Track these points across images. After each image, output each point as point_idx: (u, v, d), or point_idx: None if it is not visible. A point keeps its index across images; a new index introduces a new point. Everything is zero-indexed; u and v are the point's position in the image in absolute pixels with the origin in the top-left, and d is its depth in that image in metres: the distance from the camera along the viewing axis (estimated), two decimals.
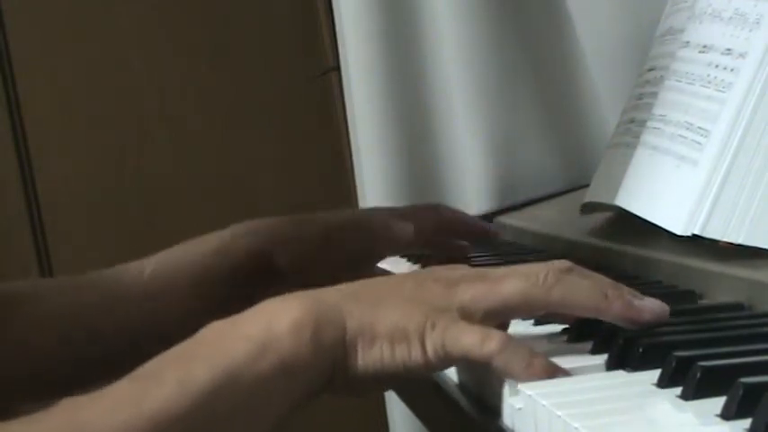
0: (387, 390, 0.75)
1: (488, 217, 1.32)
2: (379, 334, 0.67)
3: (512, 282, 0.69)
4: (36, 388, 0.92)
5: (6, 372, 0.90)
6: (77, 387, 0.66)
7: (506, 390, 0.65)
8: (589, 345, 0.69)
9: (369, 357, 0.67)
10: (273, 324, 0.67)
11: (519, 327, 0.77)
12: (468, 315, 0.68)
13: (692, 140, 0.83)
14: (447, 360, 0.67)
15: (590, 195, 1.00)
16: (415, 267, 1.10)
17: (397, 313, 0.68)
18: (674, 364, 0.59)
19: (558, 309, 0.69)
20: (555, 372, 0.65)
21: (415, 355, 0.67)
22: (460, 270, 0.72)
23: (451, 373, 0.77)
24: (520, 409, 0.63)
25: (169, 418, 0.63)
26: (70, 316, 0.95)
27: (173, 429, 0.63)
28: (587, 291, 0.68)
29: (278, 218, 1.01)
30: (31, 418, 0.62)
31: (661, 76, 0.92)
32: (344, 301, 0.68)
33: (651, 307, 0.69)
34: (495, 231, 1.07)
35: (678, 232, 0.81)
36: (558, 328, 0.76)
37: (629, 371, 0.64)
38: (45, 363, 0.93)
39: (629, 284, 0.73)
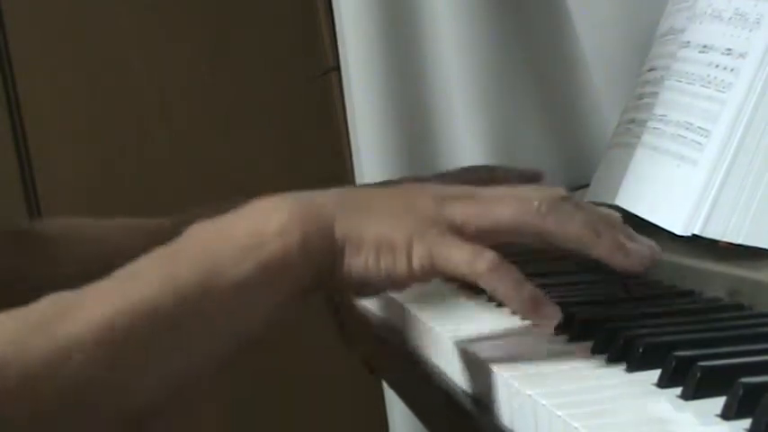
0: (371, 295, 0.74)
1: None
2: (366, 242, 0.67)
3: (505, 205, 0.68)
4: None
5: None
6: None
7: (506, 390, 0.65)
8: (589, 345, 0.69)
9: (354, 264, 0.67)
10: (261, 226, 0.67)
11: (519, 325, 0.77)
12: (457, 232, 0.67)
13: (692, 140, 0.84)
14: (432, 272, 0.67)
15: (590, 195, 1.00)
16: None
17: (385, 222, 0.67)
18: (674, 364, 0.60)
19: (547, 237, 0.68)
20: (543, 302, 0.64)
21: (400, 265, 0.67)
22: (454, 188, 0.71)
23: (452, 374, 0.77)
24: (520, 408, 0.63)
25: (152, 313, 0.63)
26: (97, 257, 0.95)
27: (156, 324, 0.63)
28: (579, 223, 0.67)
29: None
30: (13, 312, 0.63)
31: (661, 76, 0.92)
32: (334, 208, 0.68)
33: (640, 252, 0.68)
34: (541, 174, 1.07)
35: (678, 232, 0.81)
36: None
37: (628, 371, 0.64)
38: None
39: (629, 284, 0.73)
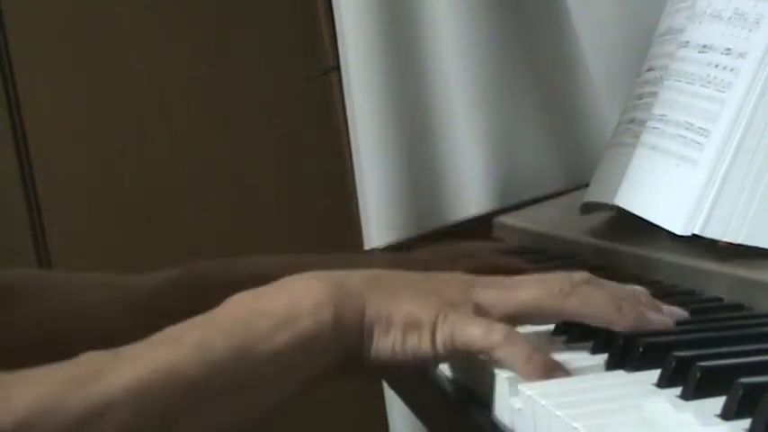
0: (395, 375, 0.76)
1: (488, 217, 1.32)
2: (395, 322, 0.69)
3: (528, 289, 0.71)
4: None
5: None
6: None
7: (506, 390, 0.65)
8: (589, 345, 0.69)
9: (382, 344, 0.69)
10: (296, 302, 0.68)
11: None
12: (482, 314, 0.70)
13: (692, 140, 0.83)
14: (453, 351, 0.69)
15: (590, 195, 1.00)
16: None
17: (413, 304, 0.69)
18: (673, 364, 0.60)
19: (571, 318, 0.71)
20: (554, 368, 0.65)
21: (425, 345, 0.69)
22: (480, 277, 0.74)
23: (451, 374, 0.77)
24: (519, 409, 0.63)
25: (183, 380, 0.65)
26: (65, 314, 0.95)
27: (185, 391, 0.65)
28: (602, 303, 0.69)
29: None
30: (51, 366, 0.64)
31: (660, 76, 0.92)
32: (365, 288, 0.70)
33: (666, 322, 0.69)
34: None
35: (678, 232, 0.81)
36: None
37: (629, 371, 0.64)
38: (13, 354, 0.94)
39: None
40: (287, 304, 0.68)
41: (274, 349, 0.67)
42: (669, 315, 0.71)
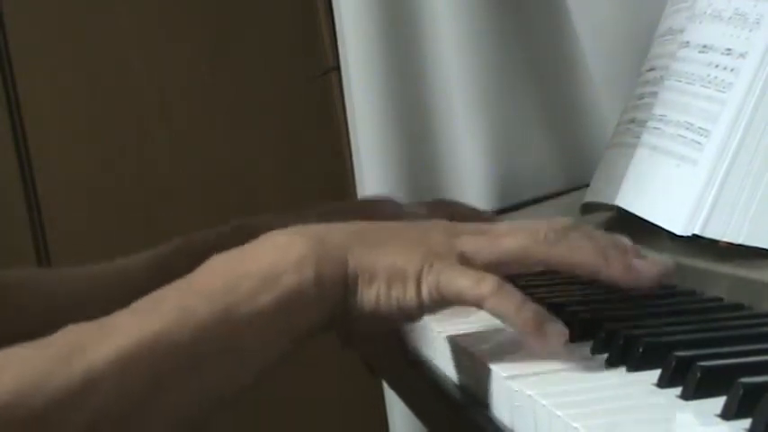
0: (381, 331, 0.75)
1: None
2: (378, 274, 0.68)
3: (513, 237, 0.70)
4: None
5: None
6: None
7: (506, 390, 0.65)
8: (589, 345, 0.69)
9: (366, 296, 0.68)
10: (277, 260, 0.67)
11: None
12: (467, 264, 0.69)
13: (692, 140, 0.83)
14: (440, 301, 0.68)
15: (590, 195, 1.00)
16: None
17: (397, 255, 0.69)
18: (674, 364, 0.60)
19: (556, 266, 0.70)
20: (545, 318, 0.65)
21: (410, 296, 0.68)
22: (463, 224, 0.73)
23: (453, 374, 0.77)
24: (519, 408, 0.63)
25: (168, 347, 0.64)
26: (64, 310, 0.95)
27: (171, 358, 0.64)
28: (587, 251, 0.69)
29: (274, 215, 1.01)
30: (35, 343, 0.64)
31: (661, 76, 0.92)
32: (347, 241, 0.69)
33: (650, 270, 0.69)
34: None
35: (678, 232, 0.81)
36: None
37: (629, 371, 0.64)
38: None
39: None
40: (268, 263, 0.67)
41: (258, 310, 0.66)
42: (654, 263, 0.70)
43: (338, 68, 1.56)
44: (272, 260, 0.67)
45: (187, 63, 2.18)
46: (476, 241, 0.70)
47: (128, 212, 2.18)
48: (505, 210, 1.33)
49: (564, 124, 1.36)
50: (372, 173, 1.41)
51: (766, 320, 0.69)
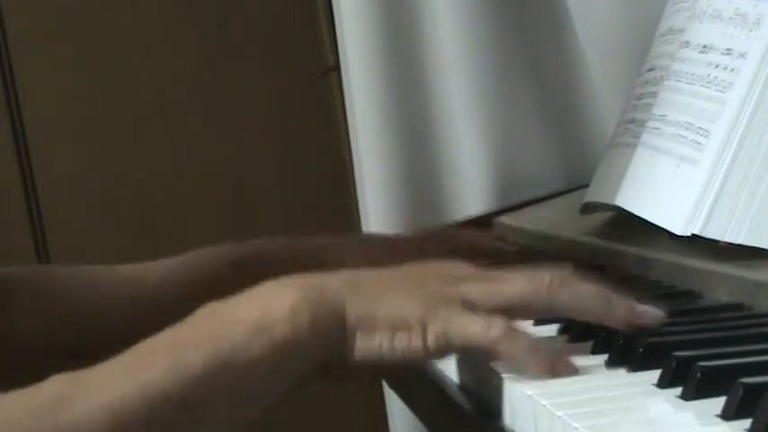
0: (381, 377, 0.75)
1: (488, 217, 1.32)
2: (380, 322, 0.67)
3: (516, 283, 0.69)
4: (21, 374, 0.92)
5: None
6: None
7: (506, 390, 0.65)
8: (589, 345, 0.69)
9: (368, 345, 0.67)
10: (270, 308, 0.66)
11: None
12: (471, 309, 0.68)
13: (692, 140, 0.83)
14: (447, 348, 0.67)
15: (590, 195, 1.00)
16: None
17: (398, 303, 0.68)
18: (674, 364, 0.60)
19: (561, 313, 0.70)
20: (559, 359, 0.65)
21: (415, 344, 0.67)
22: (464, 268, 0.72)
23: (452, 373, 0.77)
24: (520, 409, 0.63)
25: (160, 398, 0.63)
26: (69, 307, 0.95)
27: (163, 408, 0.63)
28: (591, 296, 0.69)
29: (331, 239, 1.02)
30: (20, 393, 0.62)
31: (661, 76, 0.92)
32: (345, 289, 0.68)
33: (654, 313, 0.69)
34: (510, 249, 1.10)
35: (678, 232, 0.81)
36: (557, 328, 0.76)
37: (629, 371, 0.64)
38: (32, 351, 0.93)
39: (629, 284, 0.73)
40: (261, 312, 0.66)
41: (251, 359, 0.65)
42: (651, 308, 0.70)
43: (338, 68, 1.56)
44: (264, 309, 0.66)
45: (187, 63, 2.18)
46: (478, 288, 0.69)
47: (127, 212, 2.18)
48: (505, 210, 1.33)
49: (564, 124, 1.36)
50: (372, 173, 1.41)
51: (766, 320, 0.69)
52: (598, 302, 0.68)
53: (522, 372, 0.65)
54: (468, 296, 0.68)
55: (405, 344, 0.67)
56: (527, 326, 0.78)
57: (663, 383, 0.60)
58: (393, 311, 0.67)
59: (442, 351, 0.67)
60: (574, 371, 0.65)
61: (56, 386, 0.63)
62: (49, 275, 0.99)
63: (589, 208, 1.01)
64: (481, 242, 1.12)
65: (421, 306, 0.67)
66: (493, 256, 1.07)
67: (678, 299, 0.78)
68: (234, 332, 0.65)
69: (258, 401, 0.67)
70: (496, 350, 0.66)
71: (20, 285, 0.95)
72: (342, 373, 0.69)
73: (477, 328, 0.66)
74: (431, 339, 0.67)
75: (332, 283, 0.69)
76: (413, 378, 0.86)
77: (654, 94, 0.92)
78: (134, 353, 0.65)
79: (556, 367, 0.65)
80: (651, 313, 0.69)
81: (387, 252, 1.03)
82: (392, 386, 1.13)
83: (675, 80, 0.89)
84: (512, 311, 0.69)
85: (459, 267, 0.73)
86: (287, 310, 0.66)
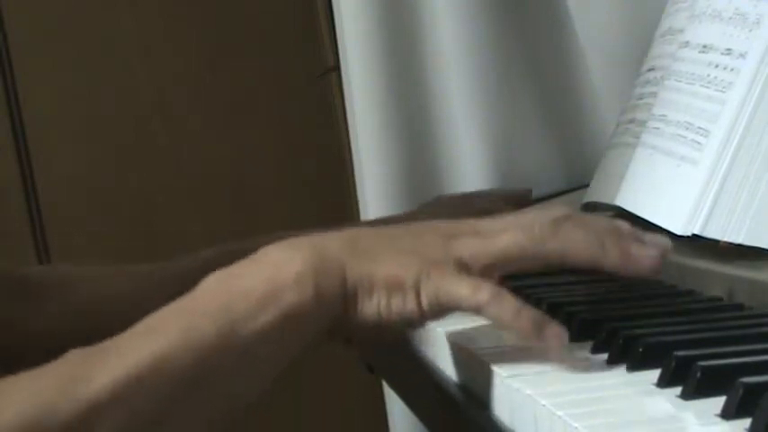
0: (382, 340, 0.75)
1: None
2: (377, 285, 0.68)
3: (508, 236, 0.70)
4: None
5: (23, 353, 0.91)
6: None
7: (506, 389, 0.65)
8: (589, 345, 0.69)
9: (366, 308, 0.69)
10: (275, 276, 0.68)
11: None
12: (464, 269, 0.69)
13: (692, 140, 0.83)
14: (440, 309, 0.69)
15: (590, 195, 1.00)
16: None
17: (394, 264, 0.69)
18: (674, 363, 0.60)
19: (553, 260, 0.70)
20: (543, 322, 0.65)
21: (410, 305, 0.68)
22: (457, 223, 0.73)
23: (453, 374, 0.77)
24: (520, 408, 0.63)
25: (173, 368, 0.64)
26: (85, 307, 0.95)
27: (176, 381, 0.64)
28: (583, 242, 0.69)
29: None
30: (38, 371, 0.63)
31: (661, 77, 0.92)
32: (344, 253, 0.69)
33: (650, 254, 0.69)
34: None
35: (678, 232, 0.81)
36: None
37: (629, 371, 0.64)
38: (45, 349, 0.93)
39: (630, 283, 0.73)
40: (266, 280, 0.67)
41: (259, 329, 0.66)
42: (652, 245, 0.70)
43: (338, 68, 1.56)
44: (270, 276, 0.68)
45: (187, 63, 2.18)
46: (471, 245, 0.70)
47: (127, 212, 2.18)
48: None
49: (564, 124, 1.36)
50: (372, 173, 1.41)
51: (766, 320, 0.69)
52: (590, 248, 0.69)
53: (509, 331, 0.66)
54: (463, 253, 0.69)
55: (400, 305, 0.68)
56: None
57: (663, 383, 0.60)
58: (389, 274, 0.68)
59: (435, 311, 0.69)
60: (561, 335, 0.66)
61: (73, 362, 0.64)
62: (65, 275, 0.99)
63: (589, 208, 1.01)
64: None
65: (415, 267, 0.68)
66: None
67: (678, 299, 0.78)
68: (241, 302, 0.66)
69: (268, 369, 0.68)
70: (484, 311, 0.67)
71: (36, 286, 0.95)
72: (344, 335, 0.70)
73: (465, 291, 0.67)
74: (424, 301, 0.68)
75: (333, 246, 0.70)
76: (414, 378, 0.86)
77: (654, 94, 0.92)
78: (146, 325, 0.66)
79: (541, 330, 0.66)
80: (648, 255, 0.69)
81: None
82: (392, 386, 1.13)
83: (675, 80, 0.89)
84: (506, 264, 0.70)
85: (454, 224, 0.73)
86: (292, 279, 0.67)
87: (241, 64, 2.19)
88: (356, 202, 1.53)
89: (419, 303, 0.68)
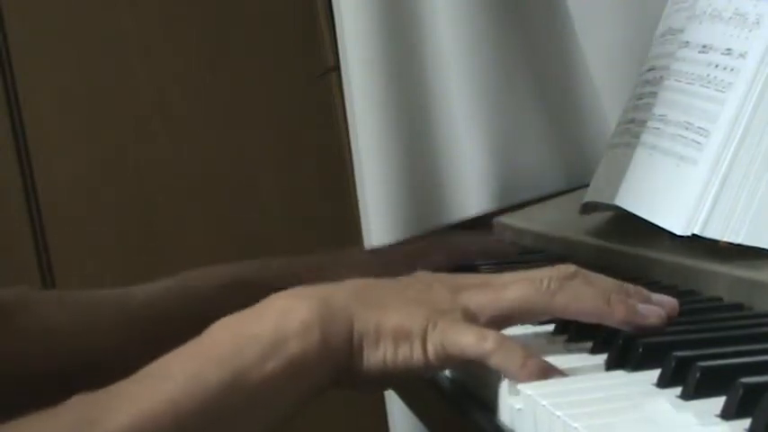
0: (389, 387, 0.76)
1: (488, 217, 1.32)
2: (384, 335, 0.69)
3: (515, 289, 0.70)
4: (12, 398, 0.91)
5: None
6: (55, 401, 0.66)
7: (506, 390, 0.65)
8: (589, 345, 0.69)
9: (373, 357, 0.69)
10: (282, 324, 0.68)
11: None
12: (472, 319, 0.69)
13: (692, 140, 0.83)
14: (446, 360, 0.69)
15: (590, 195, 1.00)
16: None
17: (401, 315, 0.69)
18: (673, 364, 0.60)
19: (561, 315, 0.71)
20: (549, 372, 0.65)
21: (417, 355, 0.68)
22: (465, 276, 0.74)
23: (451, 374, 0.77)
24: (520, 409, 0.63)
25: (177, 415, 0.64)
26: (51, 333, 0.94)
27: (180, 426, 0.64)
28: (590, 297, 0.69)
29: (274, 260, 1.03)
30: (42, 416, 0.63)
31: (661, 77, 0.92)
32: (351, 302, 0.70)
33: (657, 311, 0.69)
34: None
35: (678, 232, 0.81)
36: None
37: (629, 371, 0.64)
38: (14, 374, 0.93)
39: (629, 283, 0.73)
40: (273, 328, 0.68)
41: (265, 376, 0.66)
42: (659, 304, 0.70)
43: (338, 68, 1.56)
44: (276, 325, 0.68)
45: (187, 63, 2.18)
46: (479, 296, 0.70)
47: (127, 212, 2.18)
48: (505, 210, 1.33)
49: (564, 124, 1.36)
50: (372, 173, 1.41)
51: (766, 320, 0.69)
52: (597, 304, 0.69)
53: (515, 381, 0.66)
54: (470, 305, 0.70)
55: (407, 355, 0.69)
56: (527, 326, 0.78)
57: (662, 383, 0.60)
58: (396, 323, 0.69)
59: (441, 361, 0.69)
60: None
61: (79, 407, 0.64)
62: (31, 300, 0.98)
63: (589, 208, 1.01)
64: (480, 245, 1.13)
65: (422, 317, 0.69)
66: (493, 257, 1.08)
67: (678, 299, 0.78)
68: (248, 349, 0.67)
69: (275, 415, 0.69)
70: (489, 361, 0.67)
71: (2, 310, 0.94)
72: (351, 383, 0.70)
73: (471, 339, 0.67)
74: (430, 350, 0.68)
75: (340, 296, 0.70)
76: (413, 379, 0.86)
77: (654, 94, 0.92)
78: (153, 369, 0.67)
79: (546, 378, 0.65)
80: (656, 313, 0.69)
81: (384, 266, 1.04)
82: (392, 386, 1.13)
83: (675, 80, 0.89)
84: (513, 317, 0.71)
85: (461, 276, 0.74)
86: (298, 326, 0.68)
87: (241, 64, 2.19)
88: (356, 203, 1.53)
89: (425, 353, 0.68)
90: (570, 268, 0.71)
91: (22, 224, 2.15)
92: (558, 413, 0.57)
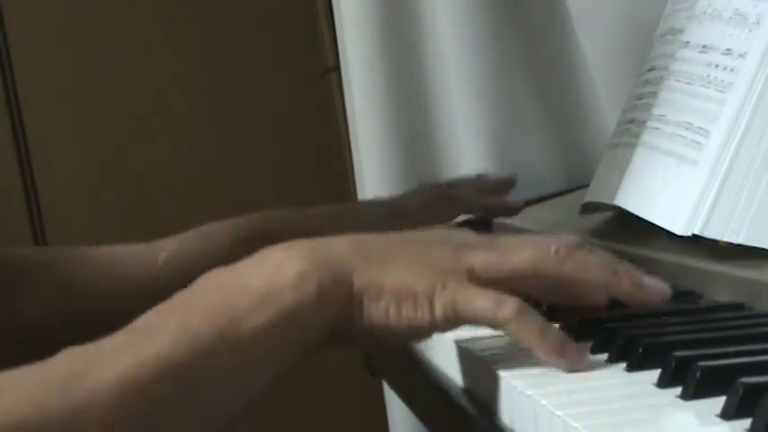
0: (383, 346, 0.74)
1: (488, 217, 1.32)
2: (386, 291, 0.67)
3: (523, 251, 0.69)
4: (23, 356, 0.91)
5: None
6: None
7: (506, 389, 0.65)
8: (589, 345, 0.69)
9: (374, 313, 0.67)
10: (276, 275, 0.66)
11: None
12: (476, 281, 0.67)
13: (692, 140, 0.83)
14: (455, 321, 0.67)
15: (590, 195, 1.00)
16: None
17: (405, 272, 0.67)
18: (673, 364, 0.60)
19: (567, 283, 0.69)
20: (567, 345, 0.64)
21: (422, 315, 0.66)
22: (470, 235, 0.72)
23: (452, 374, 0.77)
24: (520, 408, 0.63)
25: (167, 368, 0.62)
26: (79, 290, 0.94)
27: (170, 379, 0.62)
28: (597, 266, 0.68)
29: (292, 211, 1.01)
30: (31, 368, 0.62)
31: (661, 77, 0.92)
32: (352, 256, 0.68)
33: (661, 286, 0.69)
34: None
35: (678, 232, 0.81)
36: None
37: (629, 371, 0.64)
38: (38, 332, 0.92)
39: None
40: (266, 278, 0.66)
41: (257, 327, 0.64)
42: (660, 281, 0.70)
43: (338, 68, 1.56)
44: (270, 275, 0.66)
45: (187, 63, 2.18)
46: (484, 256, 0.68)
47: (127, 212, 2.18)
48: None
49: (564, 124, 1.36)
50: (372, 173, 1.41)
51: (766, 320, 0.69)
52: (603, 273, 0.68)
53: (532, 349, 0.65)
54: (475, 265, 0.68)
55: (411, 313, 0.66)
56: None
57: (663, 383, 0.60)
58: (400, 280, 0.67)
59: (449, 322, 0.67)
60: (582, 359, 0.65)
61: (66, 360, 0.62)
62: (57, 258, 0.98)
63: (589, 208, 1.01)
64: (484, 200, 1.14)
65: (428, 276, 0.67)
66: (496, 213, 1.09)
67: (678, 299, 0.78)
68: (240, 301, 0.65)
69: (266, 371, 0.66)
70: (505, 328, 0.65)
71: (27, 269, 0.94)
72: (345, 340, 0.68)
73: (487, 303, 0.65)
74: (438, 311, 0.66)
75: (338, 249, 0.68)
76: (414, 379, 0.86)
77: (654, 94, 0.92)
78: (144, 322, 0.65)
79: (564, 352, 0.65)
80: (657, 287, 0.69)
81: (390, 217, 1.03)
82: (392, 386, 1.13)
83: (675, 80, 0.89)
84: (518, 280, 0.68)
85: (466, 234, 0.72)
86: (293, 277, 0.66)
87: (241, 64, 2.20)
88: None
89: (432, 313, 0.66)
90: (575, 239, 0.70)
91: (22, 224, 2.16)
92: (559, 413, 0.57)
